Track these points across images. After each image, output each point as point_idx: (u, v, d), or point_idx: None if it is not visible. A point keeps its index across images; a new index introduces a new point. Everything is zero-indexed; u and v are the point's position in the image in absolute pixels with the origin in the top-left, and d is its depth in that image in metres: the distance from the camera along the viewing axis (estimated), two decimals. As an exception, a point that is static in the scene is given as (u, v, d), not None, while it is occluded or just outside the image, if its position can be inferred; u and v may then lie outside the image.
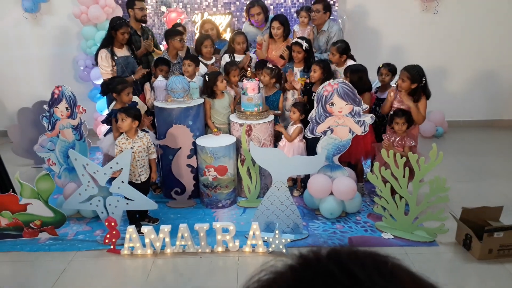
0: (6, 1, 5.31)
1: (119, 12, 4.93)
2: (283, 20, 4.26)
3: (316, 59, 4.11)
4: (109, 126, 3.76)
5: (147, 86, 4.13)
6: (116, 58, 3.99)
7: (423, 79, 3.48)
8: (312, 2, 4.55)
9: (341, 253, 0.53)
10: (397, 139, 3.45)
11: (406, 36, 5.52)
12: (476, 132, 5.63)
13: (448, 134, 5.59)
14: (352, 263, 0.51)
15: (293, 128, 3.78)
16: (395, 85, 3.68)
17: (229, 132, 3.95)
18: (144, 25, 4.54)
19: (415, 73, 3.46)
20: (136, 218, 3.46)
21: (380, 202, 3.31)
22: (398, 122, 3.43)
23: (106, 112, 4.34)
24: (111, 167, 3.16)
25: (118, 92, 3.53)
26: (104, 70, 3.99)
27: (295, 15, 5.06)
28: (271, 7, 5.24)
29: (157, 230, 3.12)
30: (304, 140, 3.78)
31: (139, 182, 3.36)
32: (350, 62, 3.98)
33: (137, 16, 4.37)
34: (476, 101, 5.78)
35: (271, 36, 4.36)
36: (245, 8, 4.65)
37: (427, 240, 3.21)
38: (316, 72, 3.78)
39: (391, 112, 3.57)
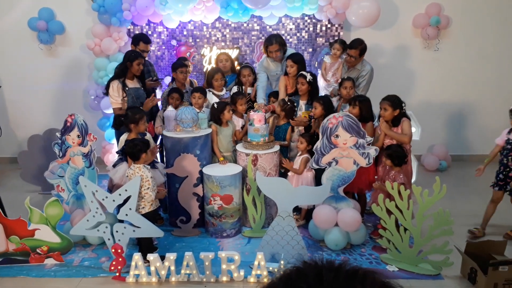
0: (23, 34, 5.52)
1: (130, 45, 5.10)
2: (296, 60, 4.26)
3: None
4: (119, 158, 3.77)
5: (160, 114, 4.23)
6: (127, 89, 4.13)
7: (403, 104, 3.65)
8: (349, 46, 4.40)
9: (324, 265, 0.71)
10: (391, 174, 3.49)
11: (409, 72, 5.66)
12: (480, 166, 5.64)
13: (452, 168, 5.63)
14: (327, 270, 0.69)
15: (300, 159, 3.84)
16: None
17: (234, 161, 4.02)
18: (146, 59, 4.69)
19: (395, 99, 3.61)
20: (154, 246, 3.49)
21: (384, 234, 3.33)
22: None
23: (114, 141, 4.43)
24: (120, 194, 3.21)
25: (137, 121, 3.62)
26: (114, 99, 4.11)
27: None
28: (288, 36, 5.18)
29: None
30: (312, 170, 3.82)
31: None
32: None
33: None
34: (476, 136, 5.84)
35: (285, 73, 4.36)
36: (263, 44, 4.52)
37: (432, 273, 3.20)
38: (317, 109, 3.88)
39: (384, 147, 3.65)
